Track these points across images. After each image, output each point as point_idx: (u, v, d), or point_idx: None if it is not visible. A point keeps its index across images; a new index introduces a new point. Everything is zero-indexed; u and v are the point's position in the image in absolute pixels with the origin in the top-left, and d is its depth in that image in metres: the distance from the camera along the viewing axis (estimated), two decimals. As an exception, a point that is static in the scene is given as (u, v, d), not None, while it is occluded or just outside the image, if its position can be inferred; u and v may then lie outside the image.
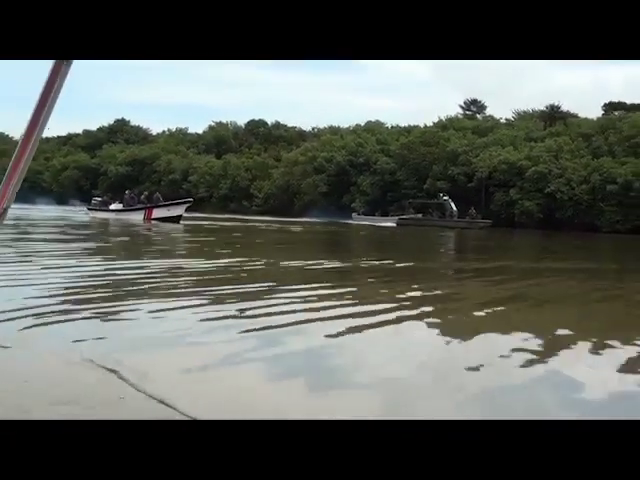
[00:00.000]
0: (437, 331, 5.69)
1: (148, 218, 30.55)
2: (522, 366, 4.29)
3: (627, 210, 48.24)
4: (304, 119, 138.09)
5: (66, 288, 7.00)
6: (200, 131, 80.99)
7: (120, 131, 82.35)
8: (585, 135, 54.56)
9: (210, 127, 79.91)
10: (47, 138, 72.11)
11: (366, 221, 46.69)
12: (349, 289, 8.38)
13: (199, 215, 39.79)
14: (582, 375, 4.15)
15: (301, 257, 13.18)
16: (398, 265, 12.36)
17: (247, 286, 7.93)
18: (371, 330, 5.41)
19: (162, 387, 3.35)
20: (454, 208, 48.07)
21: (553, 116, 60.03)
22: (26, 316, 5.07)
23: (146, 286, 7.46)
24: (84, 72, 1.28)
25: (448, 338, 5.28)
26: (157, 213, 30.86)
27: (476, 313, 6.56)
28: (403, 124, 67.14)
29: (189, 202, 32.02)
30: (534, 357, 4.53)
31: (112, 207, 33.50)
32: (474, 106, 69.62)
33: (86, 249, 13.36)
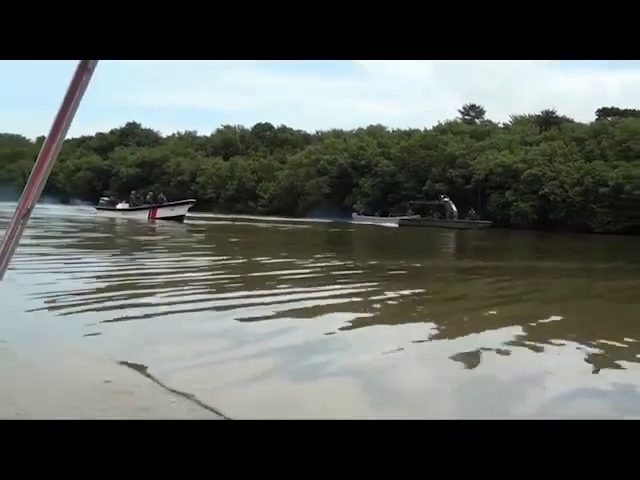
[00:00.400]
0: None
1: (152, 217, 30.94)
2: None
3: (618, 212, 48.36)
4: (309, 123, 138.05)
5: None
6: (208, 134, 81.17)
7: (131, 134, 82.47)
8: (578, 139, 54.61)
9: (218, 130, 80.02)
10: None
11: (369, 221, 46.68)
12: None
13: (210, 215, 39.94)
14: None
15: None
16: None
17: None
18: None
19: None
20: (454, 209, 48.12)
21: (548, 121, 59.97)
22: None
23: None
24: (98, 76, 1.25)
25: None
26: (161, 213, 31.25)
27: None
28: (404, 128, 67.01)
29: (192, 203, 32.56)
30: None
31: (119, 206, 33.90)
32: (473, 111, 69.65)
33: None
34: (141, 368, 3.60)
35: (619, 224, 47.84)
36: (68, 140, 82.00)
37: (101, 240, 16.74)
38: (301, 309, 6.08)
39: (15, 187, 59.20)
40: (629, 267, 15.55)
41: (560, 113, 61.89)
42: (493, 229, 43.44)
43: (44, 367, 3.57)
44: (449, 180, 54.80)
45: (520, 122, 64.49)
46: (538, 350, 4.77)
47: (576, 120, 60.68)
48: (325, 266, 11.06)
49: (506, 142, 56.59)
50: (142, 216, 31.11)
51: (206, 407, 2.95)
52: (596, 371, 4.26)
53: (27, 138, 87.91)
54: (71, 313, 5.26)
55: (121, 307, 5.69)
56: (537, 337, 5.17)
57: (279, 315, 5.67)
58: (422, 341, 4.96)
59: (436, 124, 65.48)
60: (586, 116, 63.95)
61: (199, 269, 9.64)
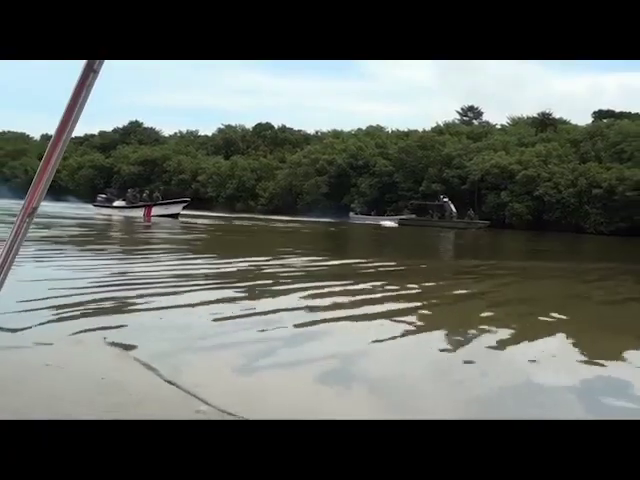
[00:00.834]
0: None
1: (147, 215, 31.20)
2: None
3: (611, 213, 48.37)
4: (309, 123, 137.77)
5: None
6: (210, 133, 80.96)
7: (134, 132, 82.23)
8: (574, 141, 54.60)
9: (219, 130, 79.80)
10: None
11: (368, 220, 46.52)
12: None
13: (209, 214, 39.86)
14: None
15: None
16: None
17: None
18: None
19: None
20: (454, 209, 48.12)
21: (544, 122, 59.92)
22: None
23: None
24: (102, 76, 1.25)
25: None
26: (156, 211, 31.59)
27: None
28: (404, 129, 66.87)
29: (186, 202, 32.88)
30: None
31: (115, 204, 34.03)
32: (471, 112, 69.58)
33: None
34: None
35: (612, 225, 47.89)
36: (71, 138, 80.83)
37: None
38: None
39: (17, 184, 59.02)
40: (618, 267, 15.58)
41: (560, 115, 62.06)
42: (491, 229, 43.47)
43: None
44: (445, 180, 54.75)
45: (517, 124, 64.45)
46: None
47: (575, 122, 60.84)
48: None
49: (502, 143, 56.57)
50: (138, 214, 31.43)
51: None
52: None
53: (31, 136, 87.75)
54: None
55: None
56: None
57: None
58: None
59: (435, 125, 65.47)
60: (585, 118, 64.08)
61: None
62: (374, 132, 67.31)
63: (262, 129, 76.22)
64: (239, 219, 36.69)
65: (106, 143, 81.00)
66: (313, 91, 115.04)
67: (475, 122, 68.39)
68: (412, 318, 5.94)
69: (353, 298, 7.02)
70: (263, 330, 4.88)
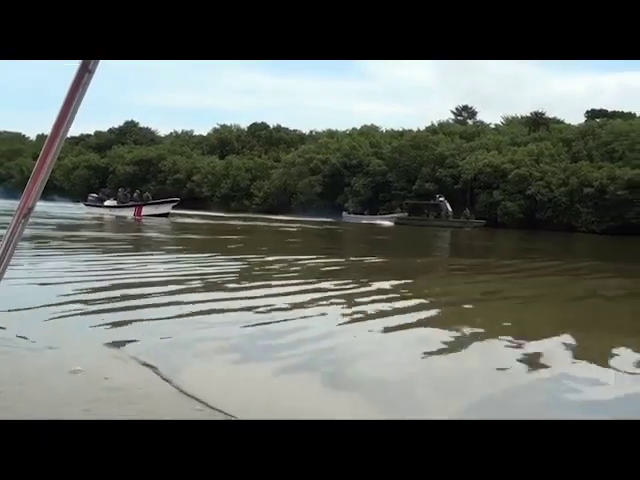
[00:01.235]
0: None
1: (138, 214, 31.40)
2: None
3: (602, 212, 48.57)
4: (305, 123, 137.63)
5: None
6: (205, 133, 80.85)
7: (129, 132, 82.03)
8: (566, 140, 54.79)
9: (214, 129, 79.71)
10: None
11: (364, 220, 46.38)
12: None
13: (201, 213, 39.75)
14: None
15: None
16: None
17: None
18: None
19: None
20: (449, 209, 48.24)
21: (537, 122, 60.08)
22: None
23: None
24: (98, 75, 1.24)
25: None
26: (146, 210, 31.82)
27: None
28: (398, 129, 66.81)
29: (175, 201, 33.20)
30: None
31: (106, 203, 34.17)
32: (465, 112, 69.72)
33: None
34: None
35: (603, 224, 48.09)
36: (67, 138, 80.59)
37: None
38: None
39: (13, 184, 58.88)
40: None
41: (560, 115, 62.38)
42: (486, 228, 43.64)
43: None
44: (438, 180, 54.84)
45: (511, 123, 64.61)
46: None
47: (571, 122, 61.03)
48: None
49: (495, 143, 56.71)
50: (128, 213, 31.67)
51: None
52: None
53: (26, 136, 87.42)
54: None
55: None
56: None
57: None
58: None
59: (429, 125, 65.50)
60: (581, 118, 64.24)
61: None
62: (368, 132, 67.31)
63: (257, 129, 76.13)
64: (233, 219, 36.63)
65: (102, 143, 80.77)
66: (313, 91, 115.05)
67: (469, 122, 68.53)
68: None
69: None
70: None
